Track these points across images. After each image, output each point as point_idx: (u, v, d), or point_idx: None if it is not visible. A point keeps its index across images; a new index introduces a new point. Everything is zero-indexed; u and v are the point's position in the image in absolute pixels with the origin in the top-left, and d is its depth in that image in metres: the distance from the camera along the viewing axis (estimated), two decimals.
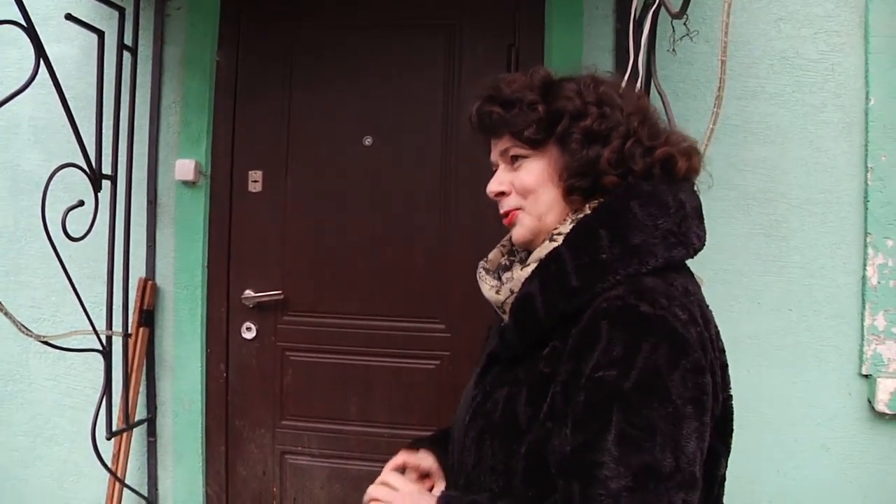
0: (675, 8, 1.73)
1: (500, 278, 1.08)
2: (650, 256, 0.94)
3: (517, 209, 1.06)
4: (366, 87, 2.38)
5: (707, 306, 0.99)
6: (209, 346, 2.45)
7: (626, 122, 1.01)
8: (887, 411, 2.15)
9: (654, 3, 1.85)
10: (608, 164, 0.99)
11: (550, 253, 0.99)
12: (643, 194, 0.98)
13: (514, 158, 1.06)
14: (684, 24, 1.96)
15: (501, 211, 1.09)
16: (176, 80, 2.42)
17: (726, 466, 1.01)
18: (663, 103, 1.90)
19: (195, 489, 2.46)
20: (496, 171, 1.10)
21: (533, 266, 1.00)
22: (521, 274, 1.01)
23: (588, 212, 1.00)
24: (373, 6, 2.39)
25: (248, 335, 2.43)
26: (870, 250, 2.20)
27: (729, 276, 2.23)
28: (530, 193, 1.03)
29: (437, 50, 2.35)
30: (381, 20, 2.38)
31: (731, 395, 0.99)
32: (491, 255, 1.18)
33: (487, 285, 1.10)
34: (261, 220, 2.43)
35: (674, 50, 2.10)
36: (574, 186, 1.01)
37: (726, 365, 0.98)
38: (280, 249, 2.43)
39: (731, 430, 1.00)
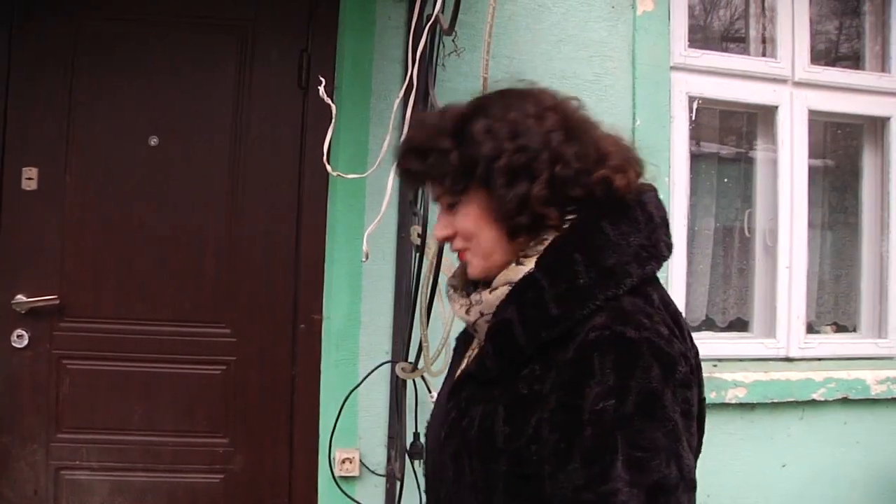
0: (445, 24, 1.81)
1: (468, 296, 1.05)
2: (626, 277, 0.93)
3: (465, 250, 1.04)
4: (153, 85, 2.29)
5: (677, 310, 1.00)
6: None
7: (547, 148, 0.95)
8: None
9: (432, 17, 1.93)
10: (538, 201, 0.95)
11: (525, 278, 0.96)
12: (612, 212, 0.96)
13: (450, 204, 1.03)
14: (453, 40, 2.06)
15: (451, 250, 1.08)
16: None
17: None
18: None
19: None
20: (439, 213, 1.07)
21: (505, 290, 0.98)
22: (490, 298, 0.99)
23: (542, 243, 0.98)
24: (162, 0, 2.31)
25: (19, 343, 2.26)
26: None
27: None
28: (471, 237, 1.01)
29: (229, 50, 2.31)
30: (171, 15, 2.30)
31: (704, 398, 1.01)
32: (457, 271, 1.13)
33: (457, 304, 1.06)
34: (36, 221, 2.26)
35: (443, 65, 2.19)
36: (515, 228, 0.98)
37: (699, 366, 1.00)
38: (58, 252, 2.27)
39: (703, 431, 1.02)
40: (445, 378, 1.19)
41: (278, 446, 2.36)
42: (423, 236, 1.87)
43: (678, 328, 0.95)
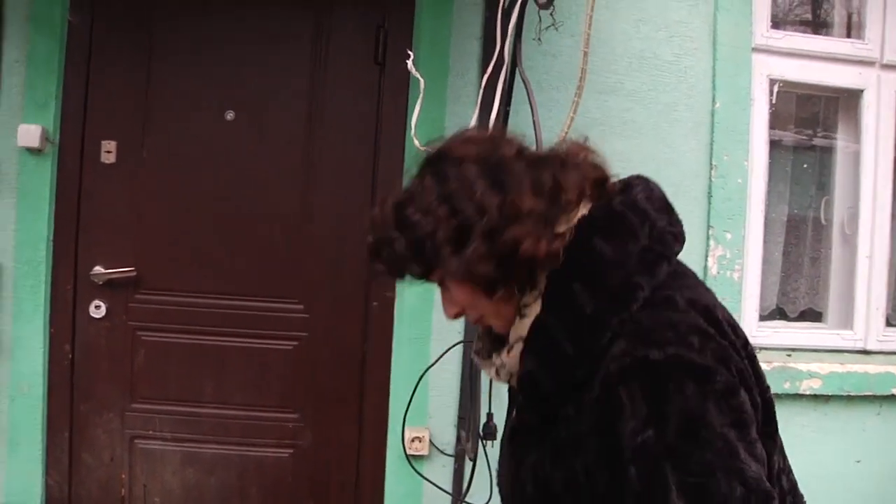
0: None
1: (490, 358, 1.02)
2: (637, 290, 0.88)
3: (479, 318, 1.00)
4: (229, 60, 2.30)
5: (709, 297, 0.94)
6: (53, 325, 2.29)
7: (473, 203, 0.90)
8: None
9: None
10: (481, 257, 0.90)
11: (534, 324, 0.92)
12: (601, 226, 0.91)
13: (438, 283, 1.00)
14: (550, 14, 2.01)
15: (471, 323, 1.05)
16: (20, 36, 2.24)
17: (785, 458, 1.00)
18: (527, 92, 1.95)
19: (33, 480, 2.29)
20: (441, 293, 1.03)
21: (519, 346, 0.95)
22: (509, 358, 0.96)
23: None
24: None
25: (97, 314, 2.30)
26: (711, 242, 2.36)
27: None
28: (473, 306, 0.98)
29: (305, 25, 2.30)
30: None
31: (769, 387, 0.95)
32: (478, 334, 1.10)
33: (489, 369, 1.04)
34: (113, 193, 2.30)
35: (539, 39, 2.14)
36: (488, 286, 0.93)
37: (754, 356, 0.93)
38: (134, 224, 2.30)
39: (776, 426, 0.96)
40: (507, 412, 1.15)
41: (347, 423, 2.36)
42: None
43: (714, 324, 0.87)
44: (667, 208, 0.96)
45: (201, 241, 2.31)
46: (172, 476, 2.34)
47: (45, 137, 2.23)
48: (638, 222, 0.91)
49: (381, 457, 2.33)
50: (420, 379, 2.13)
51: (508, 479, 1.05)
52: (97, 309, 2.30)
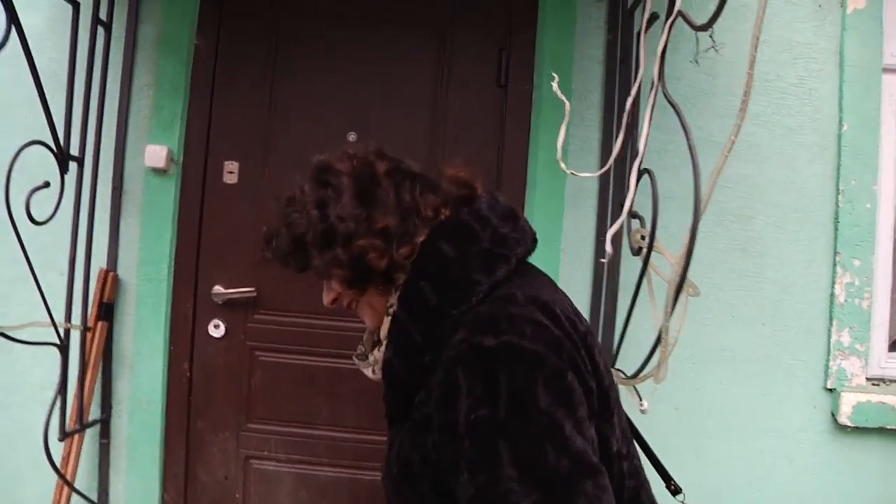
0: (695, 20, 1.73)
1: (366, 359, 1.17)
2: (475, 286, 0.98)
3: (349, 307, 1.15)
4: (351, 82, 2.31)
5: (556, 296, 1.03)
6: (172, 343, 2.32)
7: (344, 218, 1.03)
8: (849, 424, 2.23)
9: (672, 14, 1.85)
10: (337, 262, 1.03)
11: (392, 319, 1.04)
12: (447, 232, 1.03)
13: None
14: (710, 35, 1.98)
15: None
16: (150, 60, 2.29)
17: (630, 444, 1.09)
18: (678, 114, 1.90)
19: (150, 494, 2.31)
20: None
21: (386, 341, 1.06)
22: (380, 354, 1.09)
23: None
24: None
25: (216, 333, 2.32)
26: (838, 269, 2.28)
27: (705, 289, 2.25)
28: (343, 297, 1.12)
29: (427, 48, 2.31)
30: (368, 13, 2.33)
31: (607, 376, 1.02)
32: (363, 338, 1.25)
33: (366, 369, 1.17)
34: (234, 214, 2.32)
35: (696, 61, 2.13)
36: (358, 287, 1.07)
37: (593, 347, 1.00)
38: (254, 245, 2.32)
39: (614, 412, 1.03)
40: None
41: None
42: (650, 240, 1.80)
43: (551, 318, 0.95)
44: (511, 217, 1.07)
45: None
46: (286, 497, 2.34)
47: (170, 158, 2.27)
48: (479, 228, 1.03)
49: None
50: None
51: (383, 465, 1.13)
52: (216, 328, 2.32)
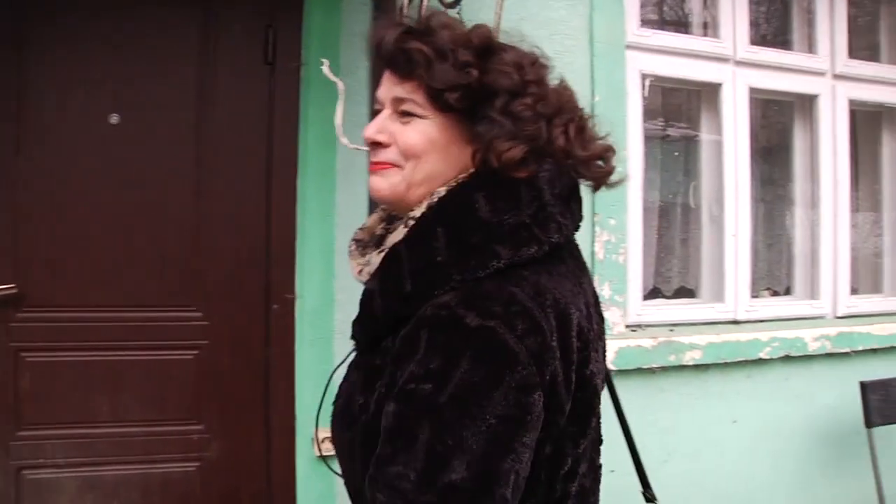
0: None
1: (363, 256, 0.99)
2: (491, 258, 0.85)
3: (393, 166, 0.94)
4: (114, 60, 2.18)
5: (576, 289, 0.92)
6: None
7: (561, 112, 0.95)
8: (613, 368, 2.46)
9: None
10: (460, 76, 0.90)
11: (392, 248, 0.91)
12: (492, 185, 0.89)
13: (406, 112, 0.93)
14: (458, 13, 2.06)
15: (373, 159, 0.96)
16: None
17: (591, 463, 0.98)
18: None
19: None
20: (380, 110, 0.96)
21: (383, 255, 0.93)
22: (376, 260, 0.94)
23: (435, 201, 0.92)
24: None
25: None
26: (597, 228, 2.51)
27: None
28: (413, 157, 0.92)
29: (192, 24, 2.23)
30: None
31: (592, 386, 0.92)
32: (369, 221, 1.06)
33: (354, 263, 1.00)
34: None
35: None
36: (446, 108, 0.91)
37: (590, 354, 0.91)
38: (12, 238, 2.15)
39: (588, 424, 0.93)
40: None
41: (254, 430, 2.32)
42: None
43: (557, 319, 0.85)
44: (567, 198, 0.94)
45: (89, 252, 2.19)
46: None
47: None
48: (527, 198, 0.89)
49: (291, 460, 2.31)
50: (330, 377, 2.13)
51: (337, 395, 1.04)
52: None
